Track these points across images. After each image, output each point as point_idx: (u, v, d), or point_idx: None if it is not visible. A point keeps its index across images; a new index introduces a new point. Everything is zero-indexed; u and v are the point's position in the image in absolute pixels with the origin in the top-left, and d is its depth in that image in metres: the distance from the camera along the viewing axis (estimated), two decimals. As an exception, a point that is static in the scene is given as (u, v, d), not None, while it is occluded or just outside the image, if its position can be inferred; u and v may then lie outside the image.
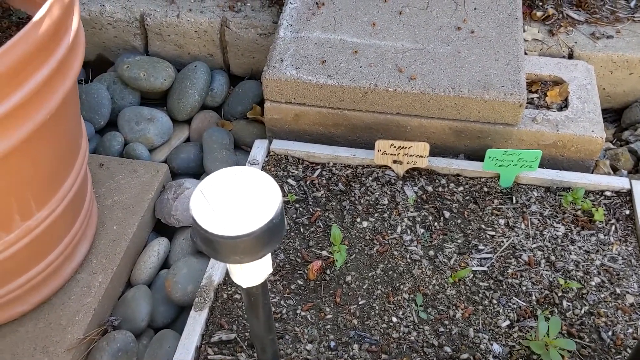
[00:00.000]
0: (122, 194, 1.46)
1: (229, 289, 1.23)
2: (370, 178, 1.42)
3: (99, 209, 1.42)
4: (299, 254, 1.29)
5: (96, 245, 1.36)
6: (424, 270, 1.25)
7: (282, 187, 1.41)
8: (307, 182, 1.42)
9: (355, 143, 1.55)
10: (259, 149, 1.48)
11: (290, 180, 1.42)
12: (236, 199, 0.74)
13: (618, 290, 1.19)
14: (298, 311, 1.19)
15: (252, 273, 0.80)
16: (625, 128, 1.66)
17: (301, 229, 1.33)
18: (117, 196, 1.46)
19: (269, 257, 0.81)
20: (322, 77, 1.44)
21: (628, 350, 1.11)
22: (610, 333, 1.14)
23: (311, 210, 1.36)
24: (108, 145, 1.62)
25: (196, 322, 1.17)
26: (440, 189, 1.40)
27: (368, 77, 1.43)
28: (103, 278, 1.30)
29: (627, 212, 1.33)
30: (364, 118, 1.49)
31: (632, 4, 1.73)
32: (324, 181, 1.42)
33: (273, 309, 1.20)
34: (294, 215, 1.35)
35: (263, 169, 1.44)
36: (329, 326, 1.17)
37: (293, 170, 1.45)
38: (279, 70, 1.46)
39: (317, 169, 1.45)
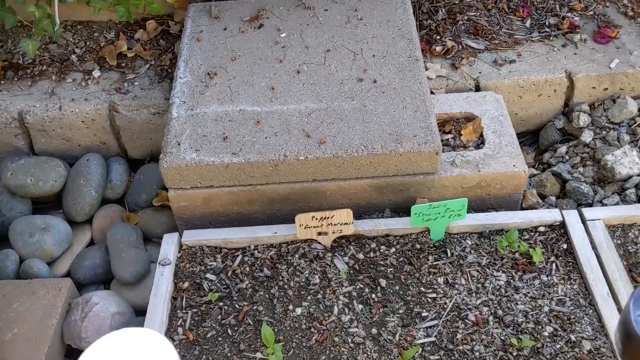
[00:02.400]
0: (23, 325, 1.28)
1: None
2: (296, 256, 1.31)
3: (-4, 348, 1.24)
4: (230, 361, 1.15)
5: (-2, 394, 1.18)
6: (369, 353, 1.14)
7: (201, 285, 1.27)
8: (229, 274, 1.29)
9: (276, 217, 1.44)
10: (169, 244, 1.34)
11: (209, 275, 1.29)
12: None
13: (573, 338, 1.13)
14: None
15: None
16: (544, 150, 1.64)
17: (229, 331, 1.20)
18: (17, 328, 1.28)
19: None
20: (226, 156, 1.32)
21: (596, 405, 1.04)
22: (574, 388, 1.06)
23: (237, 306, 1.24)
24: (1, 265, 1.43)
25: None
26: (371, 254, 1.30)
27: (275, 148, 1.33)
28: None
29: (565, 246, 1.27)
30: (280, 190, 1.39)
31: (528, 24, 1.72)
32: (247, 269, 1.30)
33: None
34: (219, 317, 1.22)
35: (177, 267, 1.31)
36: None
37: (211, 263, 1.32)
38: (177, 155, 1.33)
39: (238, 255, 1.33)
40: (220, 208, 1.42)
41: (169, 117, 1.41)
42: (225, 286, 1.27)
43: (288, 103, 1.42)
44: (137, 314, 1.37)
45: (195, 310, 1.23)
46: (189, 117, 1.40)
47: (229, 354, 1.16)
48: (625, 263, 1.22)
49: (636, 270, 1.22)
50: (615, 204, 1.38)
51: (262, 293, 1.26)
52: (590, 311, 1.17)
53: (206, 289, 1.26)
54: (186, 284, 1.27)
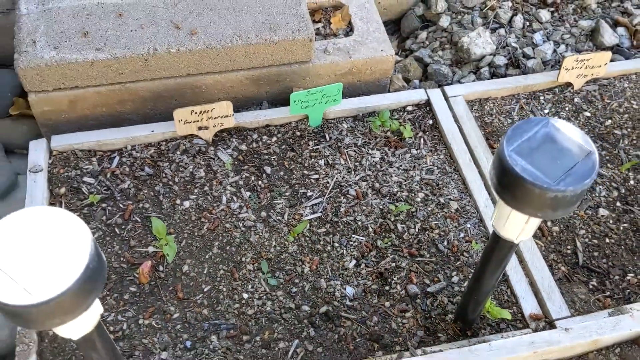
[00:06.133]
0: None
1: (53, 324, 1.05)
2: (178, 152, 1.30)
3: None
4: (122, 258, 1.14)
5: None
6: (261, 234, 1.19)
7: (79, 189, 1.22)
8: (108, 175, 1.25)
9: (150, 117, 1.39)
10: (37, 151, 1.26)
11: (87, 179, 1.24)
12: (34, 252, 0.59)
13: (442, 200, 1.26)
14: (140, 321, 1.07)
15: (81, 324, 0.67)
16: (406, 37, 1.72)
17: (117, 230, 1.18)
18: None
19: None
20: (89, 53, 1.24)
21: (464, 254, 1.18)
22: (445, 243, 1.20)
23: (121, 205, 1.21)
24: None
25: (24, 377, 0.99)
26: (254, 144, 1.33)
27: (144, 42, 1.27)
28: None
29: (431, 121, 1.38)
30: (152, 87, 1.34)
31: None
32: (127, 169, 1.26)
33: (112, 328, 1.06)
34: (104, 218, 1.19)
35: (50, 174, 1.24)
36: (179, 326, 1.07)
37: (87, 166, 1.26)
38: (33, 55, 1.22)
39: (114, 156, 1.28)
40: (88, 111, 1.34)
41: (17, 15, 1.28)
42: (105, 188, 1.23)
43: (152, -6, 1.34)
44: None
45: (77, 214, 1.19)
46: (41, 13, 1.28)
47: (119, 251, 1.15)
48: (483, 132, 1.36)
49: (492, 138, 1.37)
50: (472, 82, 1.50)
51: (146, 191, 1.24)
52: (456, 176, 1.30)
53: (86, 192, 1.22)
54: (63, 189, 1.21)
